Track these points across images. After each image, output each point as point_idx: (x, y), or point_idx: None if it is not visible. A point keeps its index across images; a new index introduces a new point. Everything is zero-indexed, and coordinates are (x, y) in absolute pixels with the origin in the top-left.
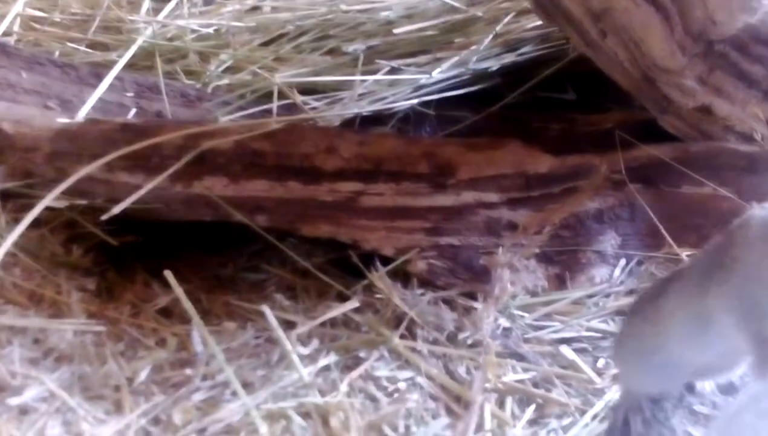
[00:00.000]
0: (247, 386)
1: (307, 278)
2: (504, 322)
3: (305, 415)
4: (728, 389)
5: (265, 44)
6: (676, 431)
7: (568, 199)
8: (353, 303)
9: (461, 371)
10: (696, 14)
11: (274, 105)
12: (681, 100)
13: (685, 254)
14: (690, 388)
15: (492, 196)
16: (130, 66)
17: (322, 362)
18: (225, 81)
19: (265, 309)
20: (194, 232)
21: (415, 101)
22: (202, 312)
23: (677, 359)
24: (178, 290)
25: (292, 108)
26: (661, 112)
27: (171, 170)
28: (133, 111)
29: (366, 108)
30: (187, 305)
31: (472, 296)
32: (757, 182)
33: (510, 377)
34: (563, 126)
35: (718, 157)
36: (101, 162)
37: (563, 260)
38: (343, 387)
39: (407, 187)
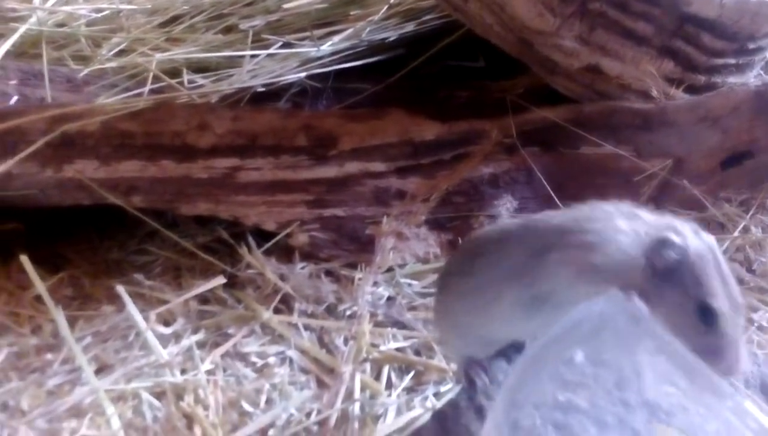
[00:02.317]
0: (106, 368)
1: (194, 258)
2: (390, 291)
3: (160, 394)
4: None
5: (163, 25)
6: None
7: (459, 165)
8: (219, 280)
9: (339, 342)
10: None
11: (147, 87)
12: (564, 61)
13: None
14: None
15: (378, 166)
16: (20, 54)
17: (187, 340)
18: (113, 64)
19: (120, 290)
20: (89, 217)
21: (303, 75)
22: (84, 297)
23: (500, 334)
24: (33, 276)
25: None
26: (550, 74)
27: (25, 153)
28: (15, 98)
29: (249, 83)
30: (42, 290)
31: (358, 267)
32: (654, 139)
33: (390, 345)
34: (471, 93)
35: (614, 117)
36: None
37: (456, 225)
38: (206, 365)
39: (286, 161)
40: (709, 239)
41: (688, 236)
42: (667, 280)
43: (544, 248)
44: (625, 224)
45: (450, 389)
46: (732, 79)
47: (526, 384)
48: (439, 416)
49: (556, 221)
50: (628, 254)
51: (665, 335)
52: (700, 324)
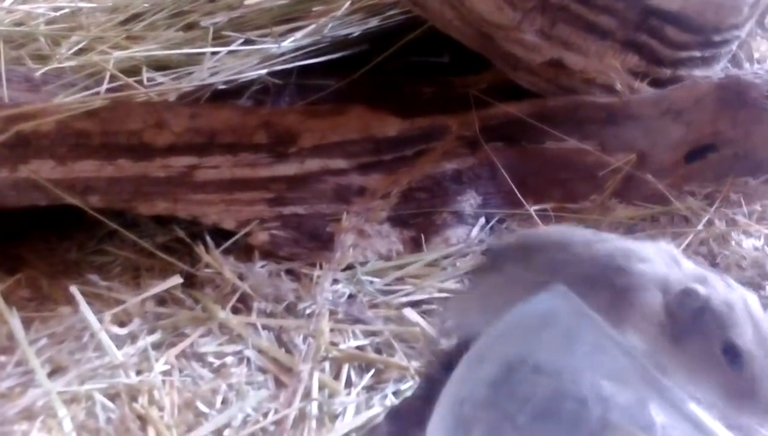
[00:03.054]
0: (60, 369)
1: (153, 258)
2: (351, 289)
3: (114, 396)
4: None
5: (123, 23)
6: None
7: (421, 161)
8: (176, 280)
9: (298, 341)
10: None
11: (104, 85)
12: (526, 55)
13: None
14: None
15: (340, 163)
16: None
17: (143, 341)
18: (72, 63)
19: (74, 290)
20: (48, 217)
21: (264, 72)
22: (41, 298)
23: None
24: None
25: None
26: (512, 70)
27: None
28: None
29: (209, 80)
30: None
31: (319, 265)
32: (618, 133)
33: (350, 344)
34: (435, 89)
35: (578, 111)
36: None
37: (418, 222)
38: (161, 366)
39: (245, 159)
40: (743, 292)
41: (717, 286)
42: (690, 329)
43: (586, 278)
44: (664, 269)
45: (410, 387)
46: (698, 72)
47: (469, 380)
48: (392, 414)
49: (604, 250)
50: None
51: (611, 331)
52: (726, 365)
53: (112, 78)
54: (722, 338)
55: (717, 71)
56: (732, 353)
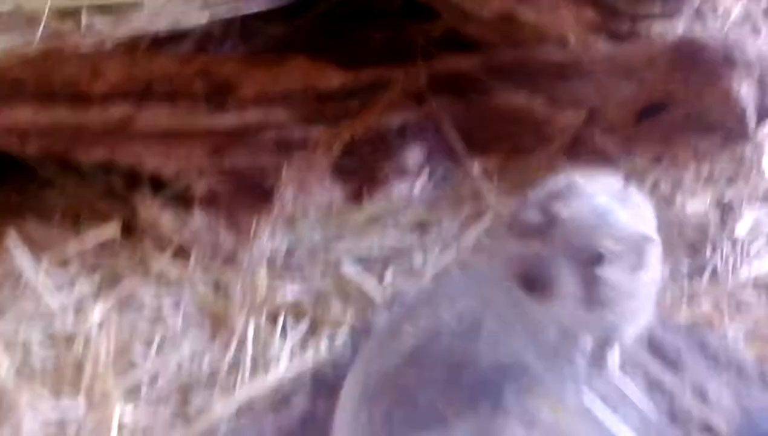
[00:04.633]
0: None
1: (92, 206)
2: (290, 241)
3: (50, 343)
4: None
5: None
6: None
7: (364, 113)
8: (112, 227)
9: (235, 292)
10: None
11: (39, 32)
12: (475, 8)
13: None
14: None
15: (281, 114)
16: None
17: (80, 287)
18: (8, 7)
19: (12, 235)
20: None
21: (206, 18)
22: None
23: None
24: None
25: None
26: (462, 22)
27: None
28: None
29: (148, 27)
30: None
31: (259, 217)
32: (568, 88)
33: (287, 296)
34: (386, 35)
35: (528, 65)
36: None
37: (360, 176)
38: (97, 313)
39: (184, 108)
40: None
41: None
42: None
43: None
44: None
45: (343, 341)
46: (658, 27)
47: (379, 354)
48: (316, 375)
49: None
50: None
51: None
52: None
53: (49, 24)
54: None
55: (677, 27)
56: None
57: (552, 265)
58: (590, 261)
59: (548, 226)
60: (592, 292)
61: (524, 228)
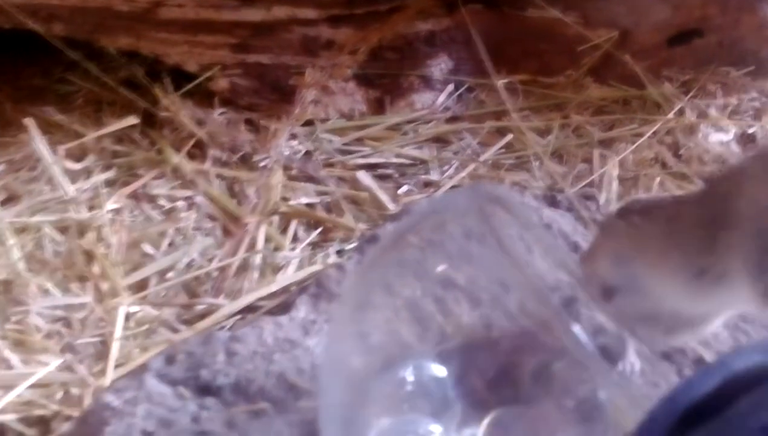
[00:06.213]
0: (14, 199)
1: (115, 94)
2: (308, 145)
3: (63, 229)
4: None
5: None
6: None
7: (394, 18)
8: (133, 119)
9: (250, 193)
10: None
11: None
12: None
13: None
14: None
15: (309, 12)
16: None
17: (96, 177)
18: None
19: (29, 121)
20: (12, 42)
21: None
22: (4, 122)
23: None
24: None
25: None
26: None
27: None
28: None
29: None
30: None
31: (279, 118)
32: (602, 7)
33: (301, 200)
34: None
35: None
36: None
37: (385, 83)
38: (111, 204)
39: (210, 0)
40: None
41: None
42: None
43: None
44: None
45: (354, 248)
46: None
47: (378, 264)
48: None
49: None
50: None
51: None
52: None
53: None
54: None
55: None
56: None
57: None
58: None
59: None
60: None
61: None
